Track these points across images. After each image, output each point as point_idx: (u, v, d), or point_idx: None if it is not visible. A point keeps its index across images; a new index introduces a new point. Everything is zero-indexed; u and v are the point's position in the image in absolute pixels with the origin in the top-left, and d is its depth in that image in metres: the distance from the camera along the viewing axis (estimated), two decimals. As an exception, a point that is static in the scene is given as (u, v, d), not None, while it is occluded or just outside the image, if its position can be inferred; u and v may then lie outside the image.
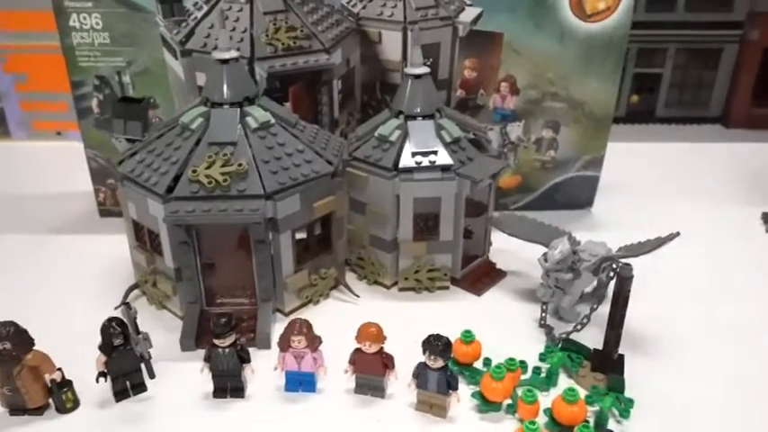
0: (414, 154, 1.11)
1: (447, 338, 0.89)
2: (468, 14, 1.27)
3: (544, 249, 1.11)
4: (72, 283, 1.23)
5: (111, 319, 0.91)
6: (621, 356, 0.99)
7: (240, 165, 1.02)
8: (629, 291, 0.92)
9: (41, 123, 1.90)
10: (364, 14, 1.28)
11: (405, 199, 1.11)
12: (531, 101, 1.35)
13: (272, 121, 1.09)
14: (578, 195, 1.47)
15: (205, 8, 1.25)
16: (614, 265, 0.94)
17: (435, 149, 1.11)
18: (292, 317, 1.12)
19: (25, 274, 1.27)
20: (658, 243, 1.03)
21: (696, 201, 1.54)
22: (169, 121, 1.12)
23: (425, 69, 1.14)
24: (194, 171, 1.01)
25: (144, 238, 1.11)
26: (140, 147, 1.10)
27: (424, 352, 0.89)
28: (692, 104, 2.03)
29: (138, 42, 1.28)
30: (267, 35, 1.25)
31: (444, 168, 1.11)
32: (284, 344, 0.92)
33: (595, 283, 1.12)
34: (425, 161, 1.11)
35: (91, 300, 1.18)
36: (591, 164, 1.43)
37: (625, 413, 0.92)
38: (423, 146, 1.11)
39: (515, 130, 1.38)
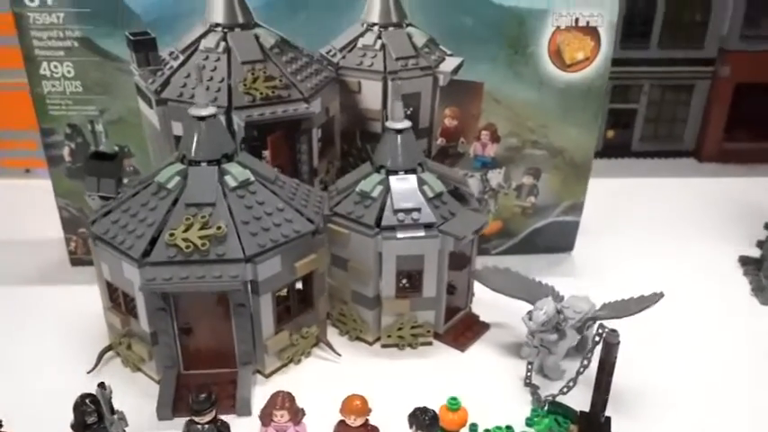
0: (396, 211, 1.10)
1: (433, 412, 0.87)
2: (449, 64, 1.26)
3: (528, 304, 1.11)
4: (40, 341, 1.19)
5: (84, 396, 0.87)
6: (608, 419, 0.98)
7: (219, 228, 0.99)
8: (616, 357, 0.91)
9: (9, 161, 1.84)
10: (344, 64, 1.26)
11: (387, 257, 1.10)
12: (511, 148, 1.35)
13: (252, 178, 1.06)
14: (559, 240, 1.47)
15: (181, 57, 1.23)
16: (600, 330, 0.93)
17: (418, 207, 1.10)
18: (273, 378, 1.10)
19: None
20: (642, 305, 1.02)
21: (674, 240, 1.55)
22: (144, 177, 1.09)
23: (407, 123, 1.12)
24: (172, 235, 0.98)
25: (118, 300, 1.07)
26: (114, 205, 1.07)
27: (410, 426, 0.87)
28: (667, 139, 2.05)
29: (111, 91, 1.25)
30: (245, 84, 1.23)
31: (427, 226, 1.10)
32: (266, 418, 0.89)
33: (579, 337, 1.12)
34: (408, 219, 1.09)
35: (61, 360, 1.13)
36: (571, 209, 1.43)
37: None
38: (405, 202, 1.10)
39: (496, 177, 1.38)
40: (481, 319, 1.24)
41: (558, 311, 1.05)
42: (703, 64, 1.95)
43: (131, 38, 1.20)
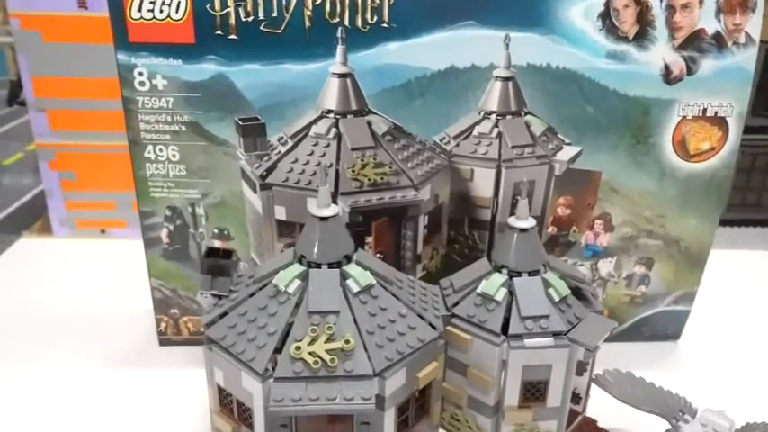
0: (523, 318, 1.03)
1: None
2: (566, 153, 1.21)
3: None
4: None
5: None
6: None
7: (348, 341, 0.93)
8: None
9: (85, 222, 1.83)
10: (457, 152, 1.21)
11: (513, 366, 1.03)
12: (625, 238, 1.28)
13: (373, 281, 1.01)
14: (666, 329, 1.39)
15: (290, 143, 1.19)
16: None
17: (546, 314, 1.03)
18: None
19: (71, 415, 1.17)
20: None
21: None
22: (259, 276, 1.04)
23: (532, 222, 1.07)
24: (297, 348, 0.93)
25: (230, 406, 1.02)
26: (229, 306, 1.02)
27: None
28: (755, 207, 1.98)
29: (215, 175, 1.22)
30: (354, 170, 1.18)
31: (556, 333, 1.03)
32: None
33: None
34: (536, 326, 1.03)
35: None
36: (682, 298, 1.36)
37: None
38: (533, 309, 1.04)
39: (606, 266, 1.31)
40: (600, 425, 1.17)
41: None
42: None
43: (240, 123, 1.17)
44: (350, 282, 1.00)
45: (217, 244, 1.26)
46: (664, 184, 1.23)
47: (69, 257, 1.73)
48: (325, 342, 0.94)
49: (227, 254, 1.05)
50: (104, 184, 1.70)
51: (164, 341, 1.37)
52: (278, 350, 0.95)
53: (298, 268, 1.01)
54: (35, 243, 1.81)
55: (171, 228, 1.26)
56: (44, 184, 1.77)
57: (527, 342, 1.03)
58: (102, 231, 1.82)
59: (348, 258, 1.03)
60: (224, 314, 1.02)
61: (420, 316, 1.03)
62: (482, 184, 1.23)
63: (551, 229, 1.28)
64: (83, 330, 1.43)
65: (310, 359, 0.92)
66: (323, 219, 1.00)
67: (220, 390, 1.03)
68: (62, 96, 1.65)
